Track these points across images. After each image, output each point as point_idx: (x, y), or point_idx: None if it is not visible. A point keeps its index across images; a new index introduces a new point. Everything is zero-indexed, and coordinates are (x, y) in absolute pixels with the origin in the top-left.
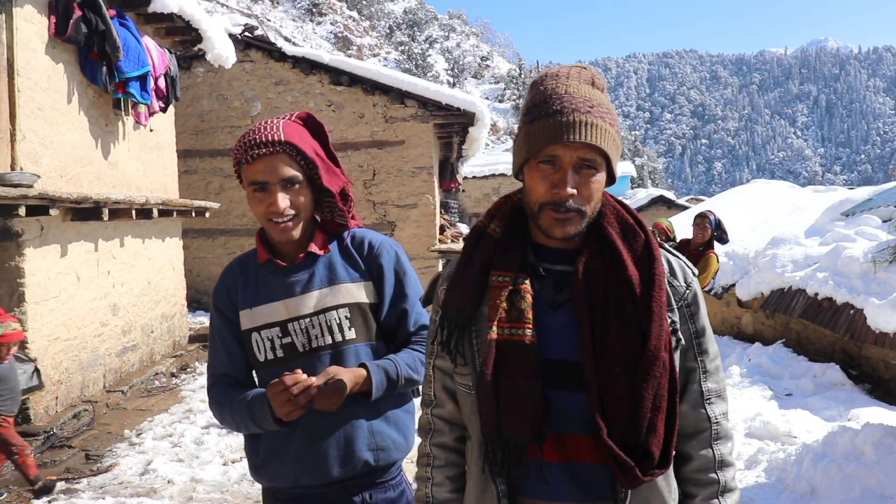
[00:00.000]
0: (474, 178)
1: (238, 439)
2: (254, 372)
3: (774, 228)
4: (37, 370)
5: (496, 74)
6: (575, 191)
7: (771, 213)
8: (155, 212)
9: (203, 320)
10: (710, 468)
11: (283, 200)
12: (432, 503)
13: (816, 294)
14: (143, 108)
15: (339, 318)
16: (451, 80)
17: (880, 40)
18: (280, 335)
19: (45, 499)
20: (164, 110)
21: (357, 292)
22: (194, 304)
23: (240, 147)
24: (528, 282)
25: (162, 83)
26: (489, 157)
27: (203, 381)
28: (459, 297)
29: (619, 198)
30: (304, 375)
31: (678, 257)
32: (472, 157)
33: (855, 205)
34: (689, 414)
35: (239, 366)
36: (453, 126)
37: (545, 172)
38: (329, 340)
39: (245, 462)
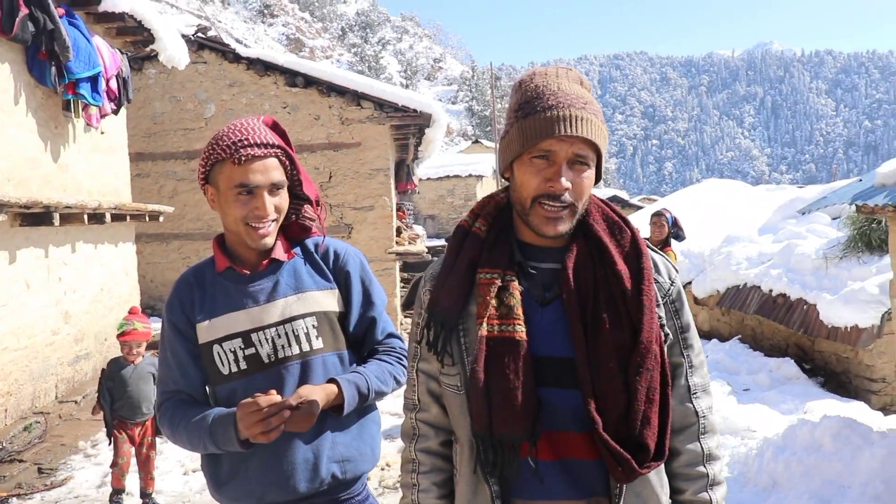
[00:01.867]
0: (429, 179)
1: None
2: (206, 388)
3: (728, 227)
4: None
5: (449, 76)
6: (569, 185)
7: (724, 212)
8: (108, 216)
9: (157, 326)
10: (699, 462)
11: (270, 205)
12: None
13: (771, 290)
14: (94, 110)
15: (307, 328)
16: (404, 82)
17: (822, 44)
18: (242, 346)
19: None
20: (115, 112)
21: (324, 300)
22: (148, 310)
23: (224, 146)
24: (515, 279)
25: (114, 84)
26: (443, 159)
27: None
28: (447, 296)
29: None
30: (278, 396)
31: (660, 254)
32: (427, 159)
33: (810, 203)
34: (677, 409)
35: (193, 382)
36: (410, 127)
37: (539, 167)
38: (296, 350)
39: None
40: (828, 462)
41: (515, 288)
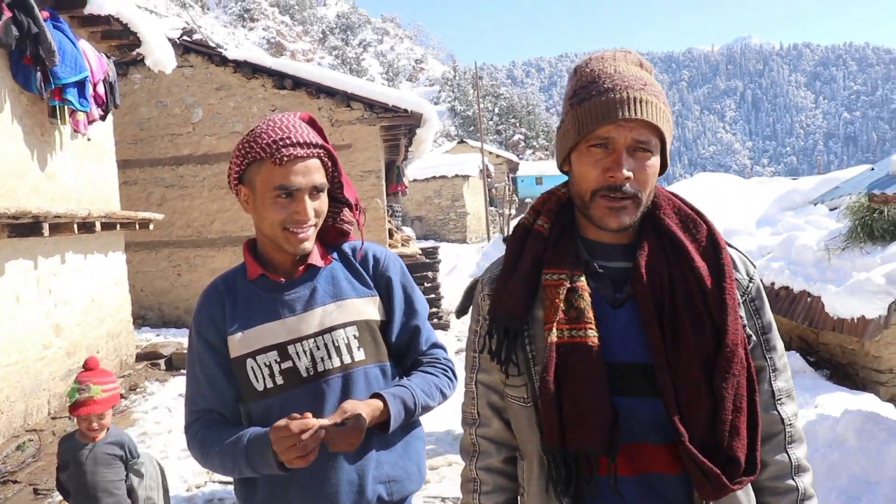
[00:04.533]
0: (415, 180)
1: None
2: (239, 405)
3: (725, 220)
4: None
5: (431, 77)
6: (631, 174)
7: (719, 206)
8: (98, 225)
9: (149, 337)
10: (787, 474)
11: (310, 209)
12: None
13: (773, 283)
14: (81, 116)
15: (347, 338)
16: (386, 83)
17: (799, 37)
18: (279, 359)
19: None
20: (103, 118)
21: (365, 308)
22: (139, 320)
23: (264, 144)
24: (583, 279)
25: (101, 89)
26: (429, 160)
27: (155, 401)
28: (510, 299)
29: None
30: (314, 419)
31: (736, 249)
32: (418, 159)
33: (822, 193)
34: (762, 417)
35: (225, 400)
36: (401, 128)
37: (597, 157)
38: (337, 363)
39: (211, 487)
40: (853, 458)
41: (584, 289)
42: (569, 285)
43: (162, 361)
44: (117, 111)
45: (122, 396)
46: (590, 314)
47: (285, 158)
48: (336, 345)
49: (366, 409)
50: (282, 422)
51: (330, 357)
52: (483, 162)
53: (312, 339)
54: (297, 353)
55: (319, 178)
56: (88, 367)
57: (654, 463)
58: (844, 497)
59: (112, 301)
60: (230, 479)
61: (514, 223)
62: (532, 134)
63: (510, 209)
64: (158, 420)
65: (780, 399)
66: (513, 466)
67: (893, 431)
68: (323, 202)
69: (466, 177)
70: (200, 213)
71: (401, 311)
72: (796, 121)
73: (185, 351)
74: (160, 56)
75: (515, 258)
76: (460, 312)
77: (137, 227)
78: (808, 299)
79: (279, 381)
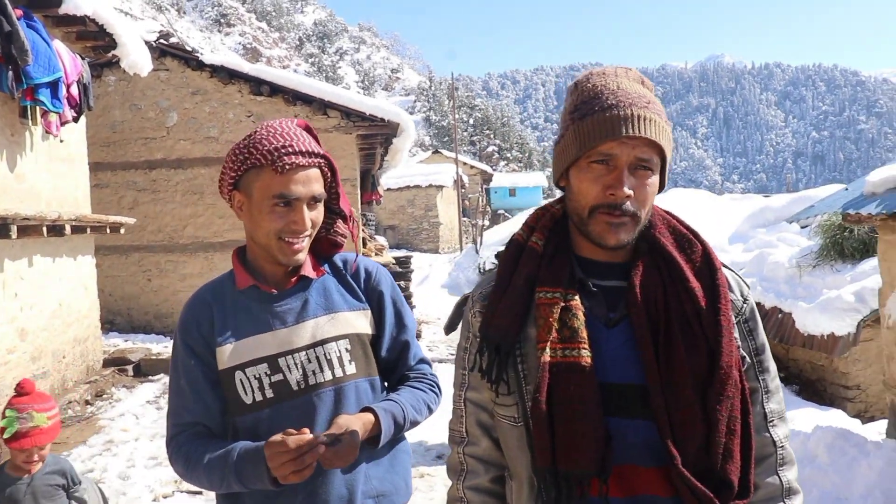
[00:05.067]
0: (389, 189)
1: (168, 472)
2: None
3: None
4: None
5: (406, 87)
6: (631, 192)
7: (693, 222)
8: (68, 228)
9: (117, 342)
10: (778, 497)
11: (308, 219)
12: None
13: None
14: (54, 118)
15: (340, 351)
16: (361, 91)
17: (771, 56)
18: (269, 372)
19: None
20: (76, 120)
21: (357, 322)
22: (107, 325)
23: (265, 151)
24: (577, 298)
25: (74, 91)
26: (404, 169)
27: (122, 408)
28: (502, 317)
29: (536, 207)
30: (310, 435)
31: (731, 270)
32: (393, 168)
33: (799, 211)
34: (753, 439)
35: (211, 413)
36: (377, 137)
37: (598, 173)
38: (329, 376)
39: (179, 497)
40: (824, 474)
41: (578, 308)
42: (563, 304)
43: (130, 367)
44: (90, 113)
45: (87, 403)
46: (583, 334)
47: (287, 167)
48: (328, 358)
49: (359, 424)
50: (277, 437)
51: (322, 370)
52: (457, 172)
53: (304, 352)
54: (289, 366)
55: (318, 188)
56: (24, 390)
57: (645, 485)
58: None
59: (80, 306)
60: (199, 489)
61: (487, 234)
62: (506, 145)
63: (483, 220)
64: (125, 427)
65: (772, 421)
66: (501, 486)
67: (863, 448)
68: (319, 212)
69: (440, 187)
70: (172, 218)
71: (391, 326)
72: (766, 139)
73: (154, 357)
74: (136, 59)
75: (508, 275)
76: (449, 328)
77: (108, 230)
78: (780, 315)
79: (269, 394)
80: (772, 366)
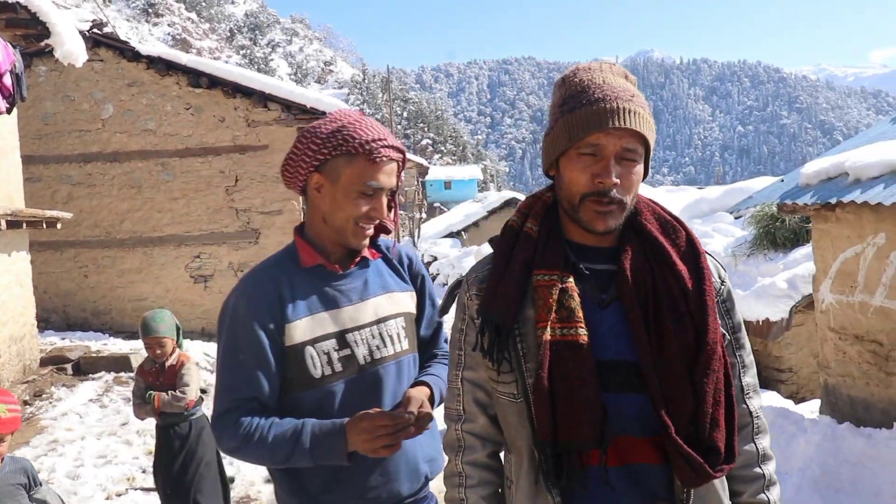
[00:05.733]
0: None
1: (119, 469)
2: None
3: None
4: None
5: (340, 79)
6: (618, 181)
7: None
8: (3, 223)
9: (54, 340)
10: (755, 463)
11: (385, 207)
12: None
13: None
14: None
15: (398, 328)
16: (294, 84)
17: (698, 53)
18: (337, 347)
19: None
20: (9, 111)
21: (407, 302)
22: (42, 323)
23: (362, 141)
24: (572, 280)
25: (7, 80)
26: None
27: (64, 407)
28: (502, 299)
29: (472, 199)
30: (400, 413)
31: (710, 255)
32: None
33: (738, 202)
34: (736, 408)
35: (272, 388)
36: None
37: (586, 163)
38: (391, 351)
39: (133, 495)
40: None
41: (574, 290)
42: (560, 286)
43: (69, 366)
44: (20, 104)
45: (26, 403)
46: (580, 314)
47: (382, 158)
48: (389, 334)
49: (425, 397)
50: (371, 412)
51: (385, 346)
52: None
53: (368, 328)
54: (356, 341)
55: (395, 181)
56: None
57: (639, 454)
58: None
59: (15, 303)
60: (152, 486)
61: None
62: (440, 139)
63: (420, 213)
64: (70, 427)
65: (748, 393)
66: (497, 461)
67: (801, 425)
68: (387, 202)
69: None
70: (109, 213)
71: (429, 308)
72: (695, 132)
73: (94, 355)
74: (71, 48)
75: (505, 260)
76: (443, 311)
77: (45, 226)
78: None
79: (338, 367)
80: (747, 343)
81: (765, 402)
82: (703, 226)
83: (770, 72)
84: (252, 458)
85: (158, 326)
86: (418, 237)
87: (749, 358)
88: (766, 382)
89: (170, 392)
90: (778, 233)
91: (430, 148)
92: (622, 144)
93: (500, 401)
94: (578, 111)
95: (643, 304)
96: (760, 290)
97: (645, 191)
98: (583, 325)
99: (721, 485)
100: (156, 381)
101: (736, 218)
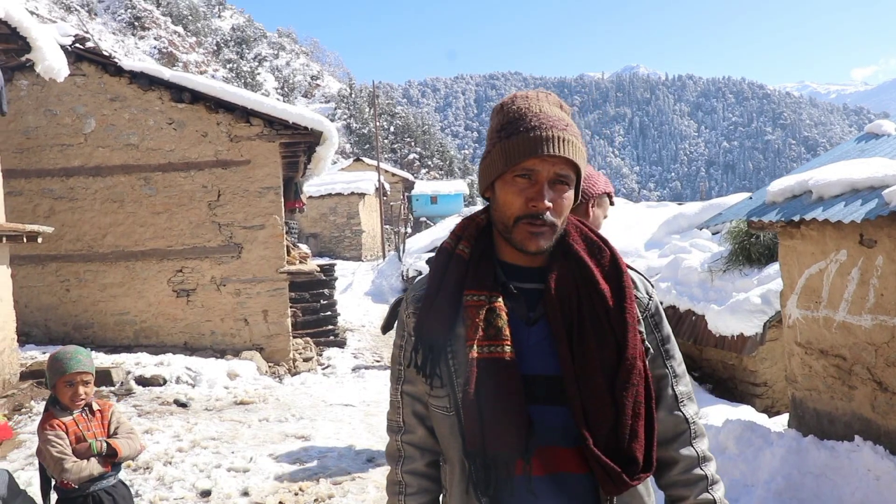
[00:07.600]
0: (311, 197)
1: None
2: None
3: (616, 242)
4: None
5: (327, 94)
6: (551, 204)
7: (611, 228)
8: None
9: (35, 354)
10: (695, 465)
11: None
12: None
13: (661, 302)
14: None
15: None
16: (281, 98)
17: (683, 69)
18: None
19: None
20: None
21: None
22: (23, 337)
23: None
24: (501, 300)
25: None
26: (325, 177)
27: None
28: (435, 318)
29: (458, 214)
30: None
31: (636, 271)
32: (316, 176)
33: (708, 219)
34: (667, 418)
35: None
36: (300, 145)
37: (521, 186)
38: None
39: None
40: (733, 463)
41: (502, 309)
42: (488, 305)
43: None
44: (1, 119)
45: (5, 417)
46: (507, 332)
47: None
48: None
49: None
50: None
51: None
52: (379, 180)
53: None
54: None
55: None
56: None
57: (563, 464)
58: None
59: None
60: None
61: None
62: (427, 153)
63: (406, 227)
64: None
65: (682, 401)
66: (435, 470)
67: (768, 438)
68: None
69: (362, 195)
70: (92, 227)
71: None
72: (680, 148)
73: None
74: (52, 63)
75: (439, 280)
76: (385, 328)
77: (25, 240)
78: (693, 318)
79: None
80: (677, 353)
81: (737, 416)
82: (681, 241)
83: (754, 88)
84: None
85: (83, 360)
86: (403, 252)
87: (681, 367)
88: (741, 397)
89: (120, 435)
90: (752, 249)
91: (417, 162)
92: (555, 170)
93: (434, 414)
94: (515, 137)
95: (567, 321)
96: (735, 305)
97: (627, 207)
98: (509, 342)
99: (646, 492)
100: (86, 431)
101: (713, 234)
